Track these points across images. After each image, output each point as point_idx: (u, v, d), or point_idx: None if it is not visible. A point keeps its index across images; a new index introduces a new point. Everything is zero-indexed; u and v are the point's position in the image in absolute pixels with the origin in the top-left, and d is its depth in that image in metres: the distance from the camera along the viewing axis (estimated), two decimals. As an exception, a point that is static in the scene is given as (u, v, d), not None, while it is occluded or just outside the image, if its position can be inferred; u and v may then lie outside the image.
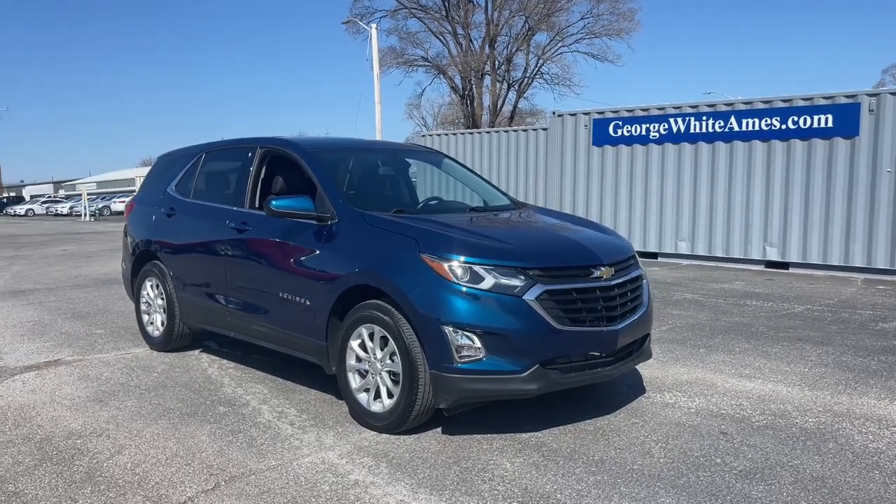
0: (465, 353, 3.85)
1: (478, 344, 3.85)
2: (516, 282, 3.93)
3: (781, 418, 4.43)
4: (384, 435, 4.15)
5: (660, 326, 7.24)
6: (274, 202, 4.65)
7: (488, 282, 3.91)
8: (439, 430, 4.22)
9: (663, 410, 4.59)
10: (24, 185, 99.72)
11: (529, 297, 3.91)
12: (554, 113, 15.20)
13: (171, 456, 3.87)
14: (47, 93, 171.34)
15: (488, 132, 17.84)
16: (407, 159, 5.96)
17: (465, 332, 3.85)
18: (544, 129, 15.72)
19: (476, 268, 3.93)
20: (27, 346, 6.57)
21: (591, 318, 4.10)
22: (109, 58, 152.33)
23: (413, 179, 5.88)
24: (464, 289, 3.89)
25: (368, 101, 32.17)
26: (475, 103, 39.45)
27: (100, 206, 48.01)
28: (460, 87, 40.05)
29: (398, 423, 4.09)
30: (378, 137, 31.83)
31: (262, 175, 5.42)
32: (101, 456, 3.88)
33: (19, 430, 4.29)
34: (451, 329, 3.85)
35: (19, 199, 65.59)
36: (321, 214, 4.63)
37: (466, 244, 4.08)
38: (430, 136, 19.47)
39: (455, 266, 3.93)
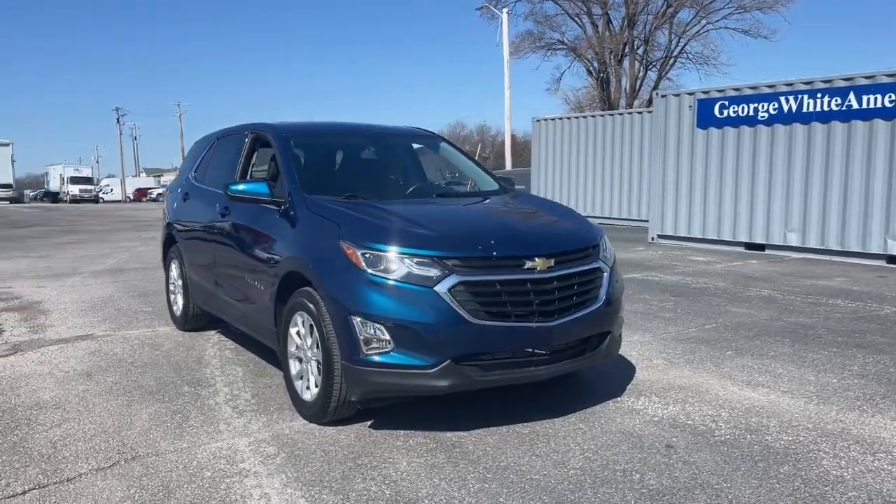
0: (373, 345, 3.69)
1: (386, 336, 3.67)
2: (431, 272, 3.71)
3: (751, 433, 3.90)
4: (311, 425, 4.07)
5: (704, 324, 6.65)
6: (231, 187, 4.69)
7: (400, 271, 3.71)
8: (368, 423, 4.08)
9: (622, 417, 4.19)
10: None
11: (441, 288, 3.68)
12: (657, 93, 14.36)
13: (100, 432, 4.00)
14: (223, 85, 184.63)
15: (594, 116, 17.22)
16: (401, 144, 5.81)
17: (374, 324, 3.68)
18: (649, 112, 14.90)
19: (389, 256, 3.74)
20: (76, 320, 7.08)
21: (519, 312, 3.79)
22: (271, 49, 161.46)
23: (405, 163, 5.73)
24: (375, 278, 3.73)
25: (499, 86, 31.94)
26: (612, 86, 38.08)
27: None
28: (596, 69, 38.81)
29: (321, 414, 4.00)
30: (507, 125, 31.61)
31: (252, 160, 5.49)
32: (41, 428, 4.08)
33: (-4, 399, 4.61)
34: (359, 320, 3.70)
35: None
36: (277, 199, 4.61)
37: (384, 231, 3.90)
38: (542, 120, 19.07)
39: (368, 254, 3.77)
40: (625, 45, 37.88)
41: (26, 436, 3.96)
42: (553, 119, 18.69)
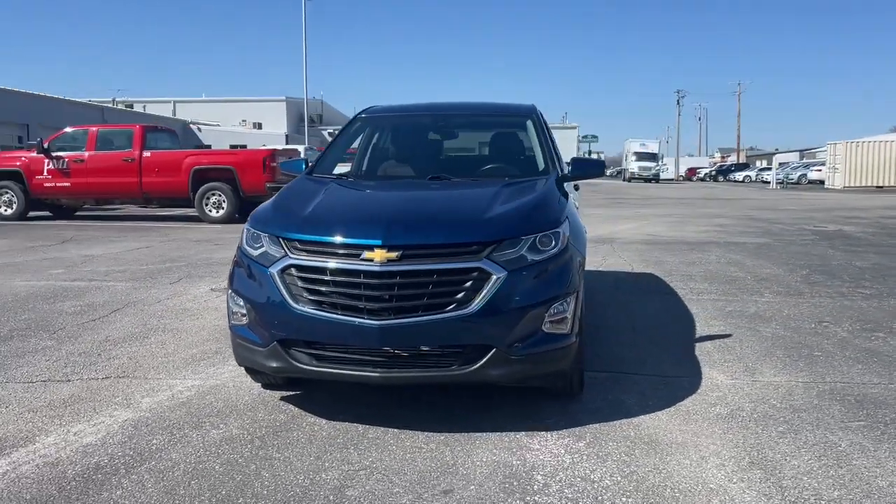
0: (236, 318, 3.94)
1: (243, 310, 3.88)
2: (275, 252, 3.76)
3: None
4: (191, 391, 4.36)
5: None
6: (281, 164, 5.30)
7: (260, 250, 3.85)
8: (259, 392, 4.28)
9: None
10: (773, 153, 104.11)
11: (274, 269, 3.70)
12: None
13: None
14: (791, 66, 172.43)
15: None
16: (481, 123, 5.46)
17: (235, 296, 3.92)
18: None
19: (257, 234, 3.91)
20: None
21: (347, 304, 3.55)
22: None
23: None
24: (242, 254, 3.95)
25: None
26: None
27: (795, 174, 47.71)
28: None
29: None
30: None
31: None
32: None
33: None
34: (231, 291, 3.99)
35: (744, 166, 69.37)
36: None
37: (264, 210, 4.07)
38: None
39: (249, 231, 4.00)
40: None
41: None
42: None
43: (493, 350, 3.53)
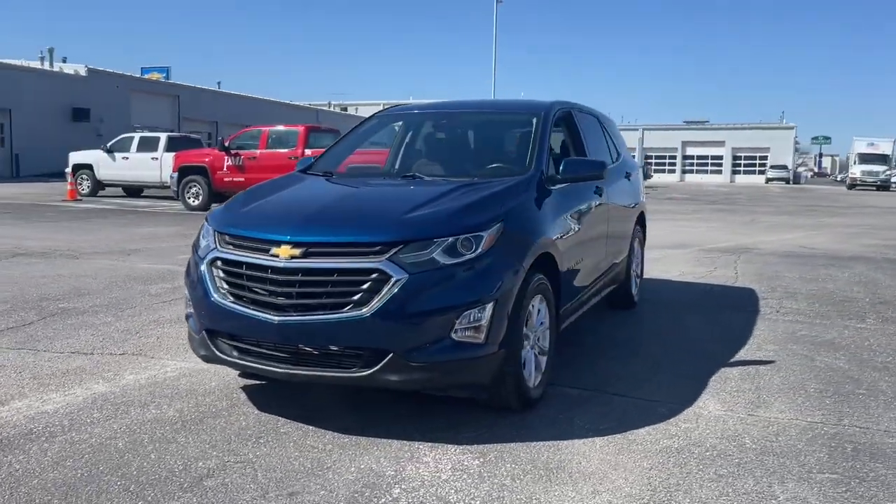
0: (188, 309, 4.15)
1: (188, 300, 4.09)
2: (210, 245, 3.93)
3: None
4: (175, 372, 4.59)
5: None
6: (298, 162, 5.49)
7: (203, 242, 4.03)
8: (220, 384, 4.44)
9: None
10: None
11: (204, 261, 3.87)
12: None
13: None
14: None
15: None
16: (490, 121, 5.23)
17: (185, 288, 4.14)
18: None
19: (206, 227, 4.09)
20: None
21: (255, 298, 3.62)
22: None
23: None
24: (196, 245, 4.15)
25: None
26: None
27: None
28: None
29: None
30: None
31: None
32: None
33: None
34: (185, 280, 4.21)
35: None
36: None
37: (224, 204, 4.24)
38: None
39: (203, 224, 4.20)
40: None
41: None
42: None
43: (391, 355, 3.42)
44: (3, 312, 6.13)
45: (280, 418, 3.85)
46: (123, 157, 22.13)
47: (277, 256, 3.55)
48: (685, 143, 68.35)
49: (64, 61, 41.81)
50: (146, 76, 48.65)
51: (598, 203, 5.21)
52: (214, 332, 3.80)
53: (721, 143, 66.88)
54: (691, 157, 68.82)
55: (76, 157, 22.93)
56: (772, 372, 4.78)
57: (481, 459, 3.38)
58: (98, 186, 22.26)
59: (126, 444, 3.50)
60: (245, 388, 4.32)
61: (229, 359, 3.77)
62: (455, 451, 3.47)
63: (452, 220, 3.65)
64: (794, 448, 3.56)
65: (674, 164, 68.84)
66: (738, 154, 66.69)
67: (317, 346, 3.53)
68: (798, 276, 8.65)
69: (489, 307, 3.53)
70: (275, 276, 3.54)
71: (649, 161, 66.06)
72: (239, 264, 3.70)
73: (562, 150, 5.29)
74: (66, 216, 15.49)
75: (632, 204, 6.34)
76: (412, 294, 3.41)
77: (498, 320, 3.57)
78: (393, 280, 3.41)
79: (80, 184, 22.20)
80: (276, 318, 3.50)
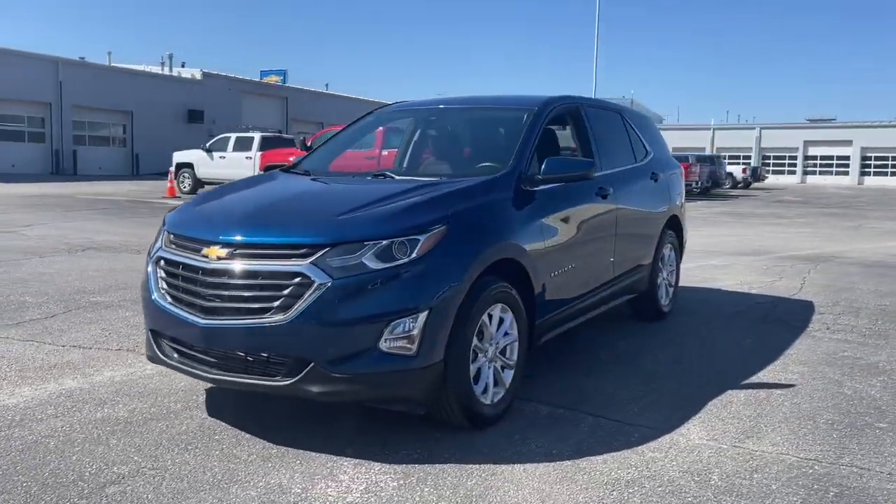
0: None
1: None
2: (159, 244, 3.86)
3: None
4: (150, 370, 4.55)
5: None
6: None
7: (156, 242, 3.97)
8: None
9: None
10: None
11: (151, 260, 3.81)
12: None
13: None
14: None
15: None
16: (477, 118, 4.93)
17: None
18: None
19: (162, 227, 4.04)
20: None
21: (187, 300, 3.52)
22: None
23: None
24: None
25: None
26: None
27: None
28: None
29: None
30: None
31: None
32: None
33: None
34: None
35: None
36: None
37: (185, 202, 4.17)
38: None
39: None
40: None
41: None
42: None
43: (311, 365, 3.22)
44: (34, 305, 6.37)
45: (223, 424, 3.74)
46: (220, 157, 23.04)
47: (207, 257, 3.43)
48: (807, 143, 64.26)
49: (182, 66, 44.18)
50: (264, 79, 50.59)
51: (600, 206, 4.81)
52: (157, 332, 3.73)
53: (848, 143, 62.41)
54: (814, 158, 64.65)
55: (179, 157, 24.09)
56: (785, 397, 4.26)
57: (401, 481, 3.13)
58: (198, 184, 23.24)
59: (57, 444, 3.47)
60: (208, 391, 4.23)
61: (170, 361, 3.68)
62: (379, 470, 3.24)
63: (387, 222, 3.41)
64: (764, 489, 3.11)
65: (794, 165, 64.89)
66: (868, 154, 62.04)
67: (242, 352, 3.38)
68: (873, 290, 7.79)
69: (422, 316, 3.27)
70: (203, 278, 3.42)
71: (766, 162, 62.69)
72: (177, 265, 3.61)
73: (558, 150, 4.90)
74: (156, 212, 16.20)
75: (658, 207, 5.85)
76: (335, 300, 3.20)
77: (433, 330, 3.31)
78: (315, 285, 3.21)
79: (182, 182, 23.31)
80: (202, 320, 3.38)
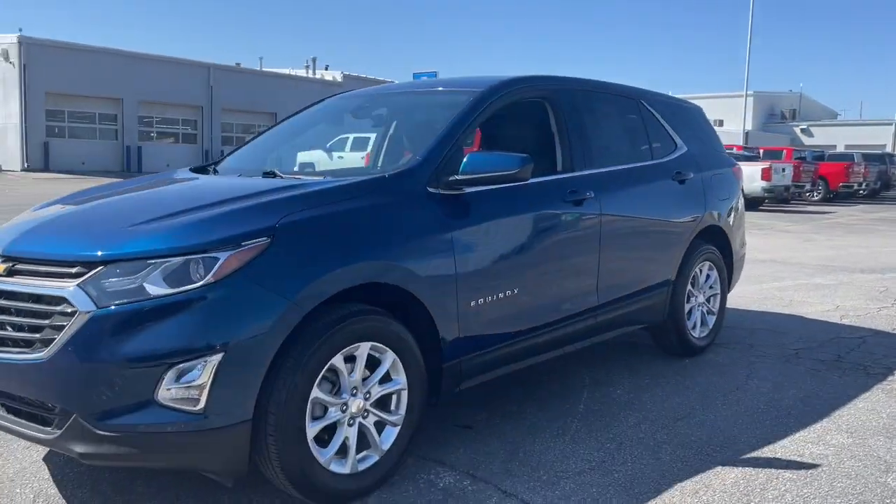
0: None
1: None
2: None
3: None
4: None
5: None
6: None
7: None
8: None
9: None
10: None
11: None
12: None
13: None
14: None
15: None
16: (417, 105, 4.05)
17: None
18: None
19: None
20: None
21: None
22: None
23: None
24: None
25: None
26: None
27: None
28: None
29: None
30: None
31: None
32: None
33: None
34: None
35: None
36: None
37: None
38: None
39: None
40: None
41: None
42: None
43: (73, 417, 2.52)
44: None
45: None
46: (339, 157, 23.13)
47: (-7, 274, 2.80)
48: None
49: (326, 69, 45.52)
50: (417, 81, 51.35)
51: (569, 214, 3.78)
52: None
53: None
54: None
55: (302, 157, 24.50)
56: (792, 483, 3.07)
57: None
58: (315, 184, 23.53)
59: None
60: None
61: None
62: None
63: (182, 234, 2.64)
64: None
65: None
66: None
67: (10, 394, 2.72)
68: None
69: (213, 360, 2.48)
70: (-15, 300, 2.80)
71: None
72: None
73: (520, 145, 3.89)
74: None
75: (682, 215, 4.63)
76: (99, 335, 2.48)
77: (231, 380, 2.51)
78: (77, 315, 2.50)
79: (301, 181, 23.73)
80: (-22, 352, 2.76)
